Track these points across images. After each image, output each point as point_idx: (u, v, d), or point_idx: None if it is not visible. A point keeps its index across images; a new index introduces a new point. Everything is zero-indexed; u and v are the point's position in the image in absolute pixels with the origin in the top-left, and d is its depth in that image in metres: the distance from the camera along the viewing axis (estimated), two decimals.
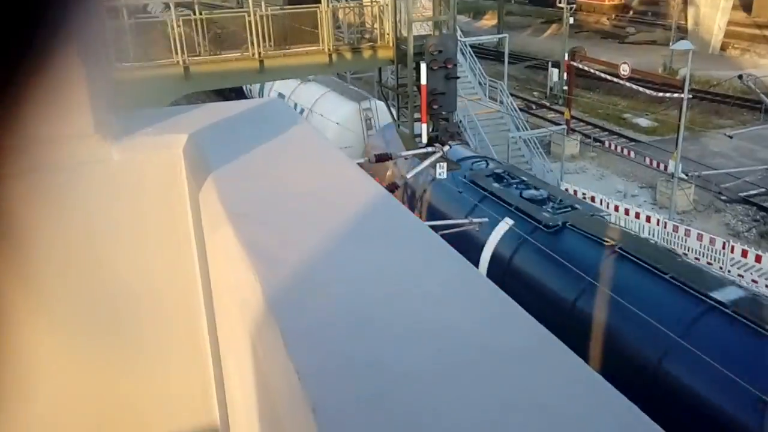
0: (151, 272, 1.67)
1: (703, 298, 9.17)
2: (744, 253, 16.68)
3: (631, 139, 27.61)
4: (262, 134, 1.83)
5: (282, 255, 1.17)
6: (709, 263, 16.86)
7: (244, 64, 14.94)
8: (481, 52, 33.10)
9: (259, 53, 14.96)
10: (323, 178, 1.57)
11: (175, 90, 13.48)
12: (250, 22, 14.82)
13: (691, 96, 21.59)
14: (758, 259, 16.39)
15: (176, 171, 1.69)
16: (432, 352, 0.88)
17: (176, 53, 13.55)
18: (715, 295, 9.20)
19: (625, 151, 25.73)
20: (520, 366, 0.86)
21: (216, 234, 1.39)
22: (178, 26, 13.43)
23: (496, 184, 14.37)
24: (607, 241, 10.80)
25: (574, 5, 35.03)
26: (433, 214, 15.16)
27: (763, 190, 21.83)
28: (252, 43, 14.82)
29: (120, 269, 1.62)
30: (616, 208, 19.22)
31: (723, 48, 42.72)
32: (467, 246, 12.94)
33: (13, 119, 1.29)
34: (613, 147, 26.40)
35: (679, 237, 17.90)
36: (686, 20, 43.12)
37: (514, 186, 14.25)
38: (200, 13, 14.57)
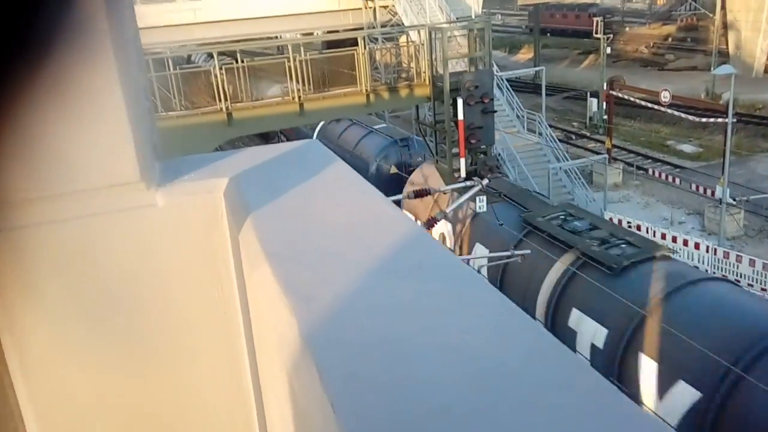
0: (194, 313, 1.72)
1: None
2: None
3: (676, 166, 27.12)
4: (300, 175, 1.89)
5: (317, 291, 1.20)
6: (763, 289, 16.29)
7: (284, 108, 15.40)
8: (518, 86, 33.23)
9: (299, 96, 15.40)
10: (358, 215, 1.62)
11: (219, 135, 13.97)
12: (290, 67, 15.31)
13: (735, 120, 21.19)
14: None
15: (217, 214, 1.73)
16: (467, 383, 0.89)
17: (219, 100, 14.08)
18: None
19: (670, 178, 25.26)
20: (558, 399, 0.86)
21: (254, 273, 1.44)
22: (221, 74, 13.97)
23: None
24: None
25: (611, 36, 34.97)
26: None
27: None
28: (292, 87, 15.29)
29: (164, 311, 1.68)
30: (663, 236, 18.82)
31: (767, 71, 41.86)
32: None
33: (63, 168, 1.44)
34: (657, 174, 25.96)
35: (729, 263, 17.38)
36: (727, 45, 42.49)
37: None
38: (242, 61, 15.12)
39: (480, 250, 15.24)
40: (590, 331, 11.08)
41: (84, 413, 1.64)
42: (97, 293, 1.58)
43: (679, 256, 17.54)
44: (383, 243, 1.41)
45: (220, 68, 14.11)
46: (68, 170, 1.48)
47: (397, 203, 14.76)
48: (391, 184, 17.23)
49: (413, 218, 17.96)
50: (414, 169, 18.97)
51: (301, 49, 16.44)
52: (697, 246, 18.15)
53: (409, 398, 0.87)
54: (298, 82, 15.44)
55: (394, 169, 20.67)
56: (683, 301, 10.20)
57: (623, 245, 12.15)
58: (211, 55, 14.62)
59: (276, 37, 28.29)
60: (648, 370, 9.92)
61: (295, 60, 15.39)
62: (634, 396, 9.82)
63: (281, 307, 1.17)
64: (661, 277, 10.76)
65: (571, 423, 0.82)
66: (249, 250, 1.53)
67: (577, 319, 11.45)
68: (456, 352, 0.98)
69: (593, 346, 11.00)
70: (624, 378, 10.27)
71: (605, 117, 27.78)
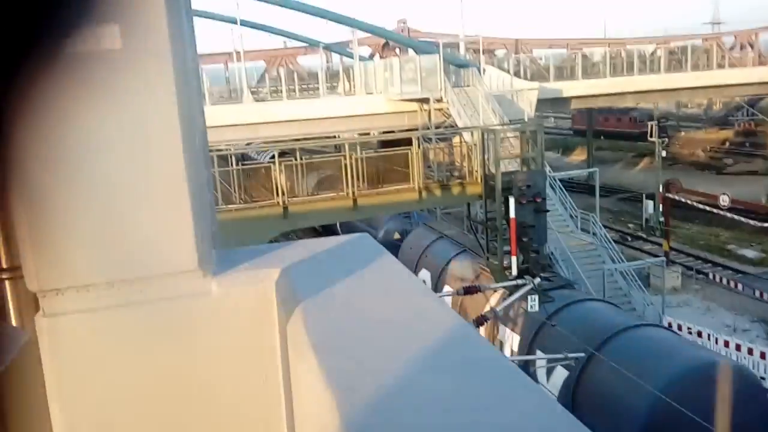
0: (241, 400, 1.75)
1: None
2: None
3: (738, 271, 26.16)
4: (349, 268, 1.94)
5: (360, 384, 1.22)
6: None
7: (338, 203, 15.85)
8: (572, 186, 33.29)
9: (353, 192, 15.87)
10: (405, 310, 1.64)
11: (275, 227, 14.43)
12: (345, 165, 15.89)
13: None
14: None
15: (268, 303, 1.78)
16: None
17: (277, 195, 14.65)
18: None
19: (732, 283, 24.33)
20: None
21: (300, 364, 1.47)
22: (281, 171, 14.63)
23: None
24: None
25: (667, 138, 35.05)
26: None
27: None
28: (347, 184, 15.80)
29: (210, 398, 1.71)
30: (726, 344, 17.94)
31: None
32: None
33: (126, 254, 1.55)
34: (718, 279, 25.07)
35: None
36: None
37: None
38: (301, 158, 15.81)
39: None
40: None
41: None
42: (149, 378, 1.64)
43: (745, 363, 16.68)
44: (428, 337, 1.43)
45: (280, 164, 14.78)
46: (131, 256, 1.57)
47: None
48: (396, 249, 21.08)
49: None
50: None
51: (357, 147, 17.09)
52: (762, 355, 17.18)
53: None
54: (353, 178, 15.96)
55: (397, 235, 24.70)
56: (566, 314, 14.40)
57: None
58: (273, 154, 15.35)
59: (334, 137, 29.52)
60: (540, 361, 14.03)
61: (351, 157, 15.99)
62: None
63: (325, 397, 1.19)
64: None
65: None
66: (296, 341, 1.56)
67: None
68: None
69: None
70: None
71: (662, 219, 27.35)
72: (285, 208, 14.77)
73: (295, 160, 15.41)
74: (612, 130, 54.60)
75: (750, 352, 17.50)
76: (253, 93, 29.49)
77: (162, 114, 1.53)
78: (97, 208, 1.52)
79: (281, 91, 30.34)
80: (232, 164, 14.26)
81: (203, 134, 1.85)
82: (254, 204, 14.40)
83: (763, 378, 15.49)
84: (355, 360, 1.34)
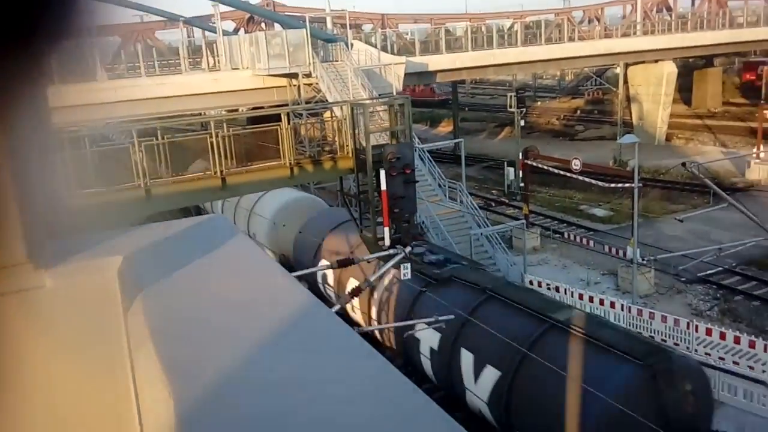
0: (89, 396, 1.65)
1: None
2: (708, 332, 17.00)
3: (589, 229, 28.53)
4: (197, 251, 1.89)
5: (199, 370, 1.20)
6: (675, 344, 17.10)
7: (206, 183, 15.42)
8: (440, 157, 34.48)
9: (221, 171, 15.49)
10: (255, 290, 1.63)
11: (138, 211, 13.80)
12: (212, 143, 15.44)
13: (641, 185, 22.62)
14: (722, 336, 16.71)
15: (111, 294, 1.69)
16: None
17: (138, 177, 13.99)
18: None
19: (585, 241, 26.52)
20: None
21: (140, 353, 1.44)
22: (141, 151, 13.96)
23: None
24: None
25: (525, 109, 37.10)
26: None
27: (721, 268, 22.53)
28: (214, 163, 15.37)
29: (54, 394, 1.61)
30: (581, 296, 19.58)
31: (668, 139, 45.19)
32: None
33: None
34: (572, 237, 27.20)
35: (644, 320, 18.21)
36: (631, 116, 45.77)
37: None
38: (163, 138, 15.15)
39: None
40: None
41: None
42: None
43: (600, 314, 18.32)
44: (276, 317, 1.43)
45: (140, 145, 14.10)
46: None
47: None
48: None
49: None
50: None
51: (224, 125, 16.64)
52: (612, 305, 18.95)
53: None
54: (220, 156, 15.53)
55: None
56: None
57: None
58: (130, 133, 14.57)
59: (200, 114, 28.49)
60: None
61: (217, 136, 15.54)
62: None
63: (161, 387, 1.17)
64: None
65: None
66: (136, 330, 1.52)
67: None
68: (335, 424, 1.01)
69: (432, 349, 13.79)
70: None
71: (522, 185, 29.11)
72: (147, 191, 14.16)
73: (157, 140, 14.75)
74: (418, 99, 55.24)
75: (601, 302, 19.24)
76: (107, 70, 27.66)
77: None
78: None
79: (139, 68, 28.74)
80: (86, 146, 13.39)
81: (42, 116, 1.77)
82: (113, 188, 13.66)
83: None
84: (197, 346, 1.33)
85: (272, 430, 1.01)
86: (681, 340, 17.30)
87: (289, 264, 19.52)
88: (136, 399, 1.68)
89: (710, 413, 10.71)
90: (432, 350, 13.85)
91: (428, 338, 13.77)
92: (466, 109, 60.06)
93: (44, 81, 1.31)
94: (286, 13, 41.76)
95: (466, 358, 12.64)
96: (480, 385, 12.26)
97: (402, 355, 15.01)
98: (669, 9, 52.43)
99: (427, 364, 14.10)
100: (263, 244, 21.54)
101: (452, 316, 13.31)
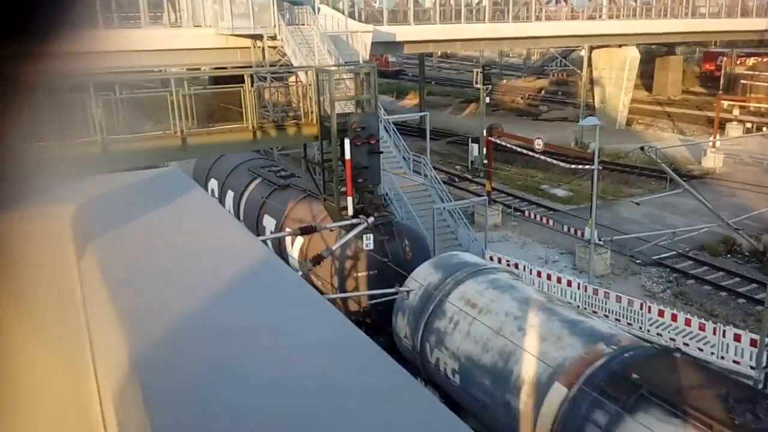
0: (40, 342, 1.62)
1: None
2: (660, 313, 17.39)
3: (550, 209, 28.86)
4: (152, 203, 1.88)
5: (152, 316, 1.19)
6: (629, 324, 17.46)
7: (166, 142, 14.88)
8: (405, 129, 34.27)
9: (182, 131, 14.96)
10: (209, 242, 1.61)
11: (93, 168, 13.20)
12: (172, 101, 14.88)
13: (601, 167, 22.90)
14: (674, 318, 17.12)
15: (64, 241, 1.68)
16: (296, 400, 0.92)
17: (96, 132, 13.38)
18: None
19: (545, 220, 26.81)
20: (382, 410, 0.92)
21: (93, 300, 1.43)
22: (97, 106, 13.31)
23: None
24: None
25: (490, 86, 37.10)
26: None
27: (674, 252, 23.07)
28: (174, 122, 14.83)
29: (6, 341, 1.55)
30: (539, 274, 19.80)
31: (628, 123, 45.93)
32: None
33: None
34: (533, 216, 27.47)
35: (599, 299, 18.53)
36: (593, 99, 46.30)
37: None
38: (121, 93, 14.52)
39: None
40: None
41: None
42: None
43: (555, 292, 18.57)
44: (231, 268, 1.42)
45: (96, 99, 13.45)
46: None
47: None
48: None
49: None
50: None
51: (185, 83, 16.05)
52: (569, 283, 19.22)
53: (232, 415, 0.88)
54: (181, 117, 15.00)
55: None
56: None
57: None
58: (88, 87, 13.90)
59: (160, 71, 27.52)
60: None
61: (178, 94, 14.97)
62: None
63: (114, 331, 1.16)
64: None
65: (390, 422, 0.88)
66: (89, 278, 1.50)
67: None
68: (287, 371, 1.01)
69: None
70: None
71: (485, 161, 29.18)
72: (104, 147, 13.56)
73: (114, 95, 14.11)
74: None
75: (558, 280, 19.50)
76: None
77: None
78: None
79: (97, 19, 27.49)
80: (40, 97, 12.70)
81: None
82: (69, 142, 13.01)
83: (569, 302, 17.31)
84: (151, 294, 1.31)
85: (226, 375, 1.00)
86: (634, 320, 17.68)
87: None
88: (90, 343, 1.66)
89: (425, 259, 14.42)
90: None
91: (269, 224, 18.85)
92: (432, 83, 59.77)
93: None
94: None
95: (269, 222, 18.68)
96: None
97: None
98: None
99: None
100: None
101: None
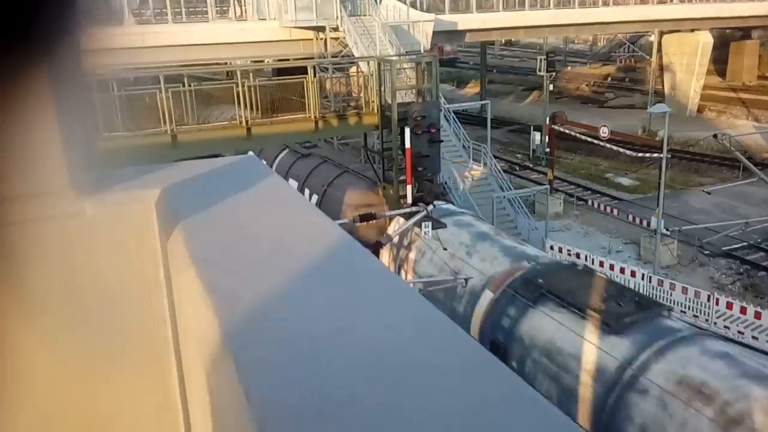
0: (123, 321, 1.72)
1: None
2: (729, 306, 16.82)
3: (614, 198, 28.17)
4: (232, 188, 1.95)
5: (240, 294, 1.24)
6: (695, 316, 16.98)
7: (231, 132, 15.40)
8: (465, 118, 34.06)
9: (247, 121, 15.44)
10: (289, 226, 1.67)
11: (164, 157, 13.85)
12: (238, 93, 15.38)
13: (670, 156, 22.21)
14: (743, 311, 16.53)
15: (148, 224, 1.75)
16: (379, 376, 0.96)
17: (164, 123, 13.99)
18: None
19: (609, 209, 26.21)
20: (462, 388, 0.94)
21: (180, 278, 1.49)
22: (167, 97, 13.92)
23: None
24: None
25: (554, 74, 36.35)
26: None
27: (745, 243, 22.18)
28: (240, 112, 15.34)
29: (93, 320, 1.67)
30: (601, 264, 19.44)
31: (700, 110, 44.10)
32: None
33: None
34: (596, 205, 26.90)
35: (664, 291, 18.07)
36: (663, 86, 44.66)
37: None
38: (189, 85, 15.11)
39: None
40: None
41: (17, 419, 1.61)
42: (26, 303, 1.55)
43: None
44: (311, 250, 1.47)
45: (166, 91, 14.06)
46: None
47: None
48: None
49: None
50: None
51: (250, 75, 16.53)
52: (633, 274, 18.81)
53: (322, 390, 0.92)
54: (246, 107, 15.50)
55: None
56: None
57: None
58: (158, 78, 14.53)
59: (225, 63, 28.31)
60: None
61: (243, 86, 15.46)
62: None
63: (204, 308, 1.21)
64: None
65: (475, 410, 0.89)
66: (176, 257, 1.56)
67: None
68: (370, 348, 1.04)
69: None
70: None
71: (547, 150, 28.71)
72: (173, 137, 14.18)
73: (183, 86, 14.70)
74: None
75: (622, 271, 19.10)
76: (135, 15, 27.52)
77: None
78: None
79: (167, 14, 28.54)
80: (113, 90, 13.39)
81: (80, 54, 1.76)
82: (140, 132, 13.70)
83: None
84: (236, 273, 1.36)
85: (313, 351, 1.04)
86: (701, 313, 17.16)
87: None
88: (173, 322, 1.74)
89: None
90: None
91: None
92: (494, 71, 58.99)
93: (82, 21, 1.33)
94: None
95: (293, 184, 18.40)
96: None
97: None
98: None
99: None
100: None
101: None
